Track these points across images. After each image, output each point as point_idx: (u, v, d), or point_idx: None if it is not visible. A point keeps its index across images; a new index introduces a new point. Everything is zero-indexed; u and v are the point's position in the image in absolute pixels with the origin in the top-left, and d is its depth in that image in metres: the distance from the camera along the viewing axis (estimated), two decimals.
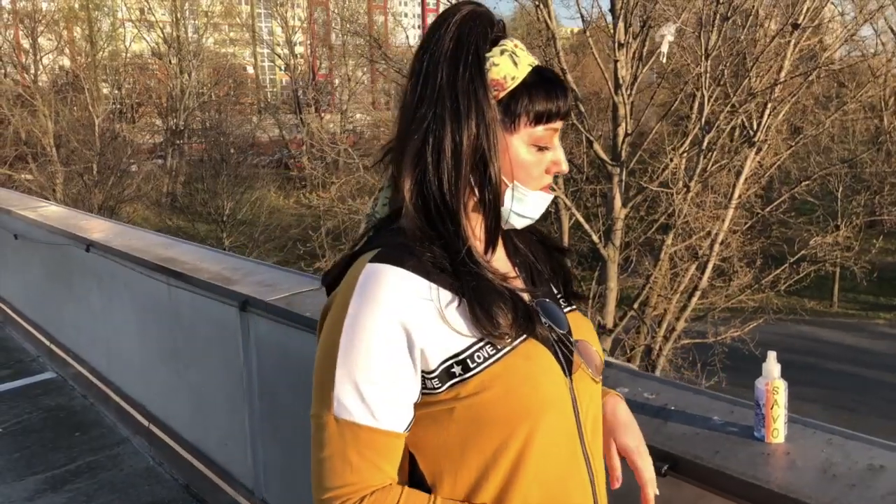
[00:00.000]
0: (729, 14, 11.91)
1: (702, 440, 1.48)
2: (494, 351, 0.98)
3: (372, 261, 0.99)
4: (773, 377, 1.44)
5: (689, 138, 12.77)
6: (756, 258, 14.46)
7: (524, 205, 1.06)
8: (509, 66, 1.03)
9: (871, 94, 18.03)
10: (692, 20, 12.59)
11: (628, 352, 13.14)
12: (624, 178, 13.09)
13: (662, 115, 14.55)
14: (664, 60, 11.48)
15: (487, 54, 1.03)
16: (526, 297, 1.06)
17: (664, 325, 13.17)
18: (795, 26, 11.74)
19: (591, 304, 12.71)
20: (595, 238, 12.76)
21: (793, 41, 11.99)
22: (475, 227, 1.05)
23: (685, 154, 12.98)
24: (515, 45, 1.05)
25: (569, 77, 13.05)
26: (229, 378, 2.85)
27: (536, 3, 12.56)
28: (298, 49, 42.39)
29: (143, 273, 3.46)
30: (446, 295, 0.99)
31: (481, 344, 0.98)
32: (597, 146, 12.93)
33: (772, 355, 1.45)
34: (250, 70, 48.05)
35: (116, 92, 38.11)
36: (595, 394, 1.11)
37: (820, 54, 13.82)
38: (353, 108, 36.56)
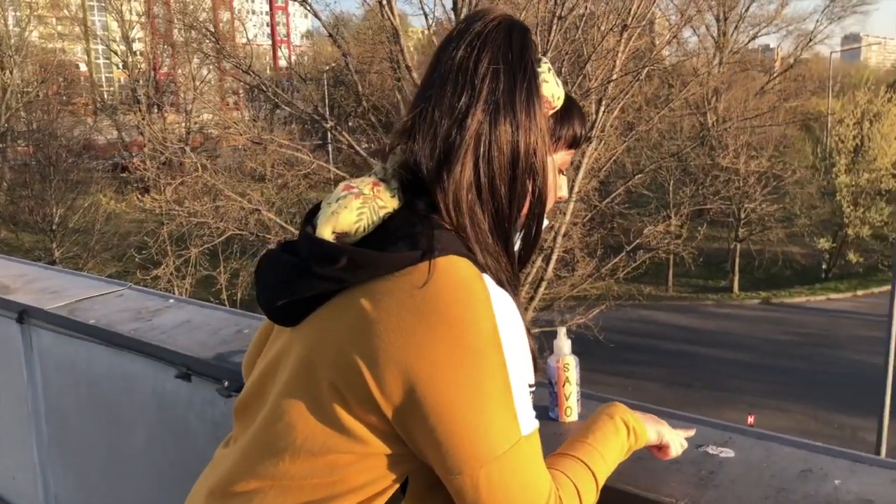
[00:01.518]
0: (563, 14, 12.38)
1: None
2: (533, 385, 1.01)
3: (477, 271, 0.92)
4: (563, 354, 1.41)
5: None
6: (597, 248, 15.19)
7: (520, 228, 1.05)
8: (555, 85, 1.03)
9: (694, 92, 19.43)
10: (531, 19, 12.99)
11: None
12: None
13: None
14: None
15: (538, 69, 1.01)
16: None
17: None
18: (625, 27, 12.41)
19: None
20: None
21: (623, 41, 12.66)
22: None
23: None
24: (549, 68, 1.04)
25: (414, 75, 13.10)
26: (12, 401, 2.53)
27: (380, 0, 12.51)
28: (137, 45, 40.03)
29: None
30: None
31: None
32: None
33: (561, 331, 1.42)
34: (83, 67, 44.84)
35: None
36: None
37: (649, 54, 14.72)
38: (199, 108, 35.00)
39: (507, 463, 0.89)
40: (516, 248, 1.03)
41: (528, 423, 0.93)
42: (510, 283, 0.96)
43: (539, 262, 13.61)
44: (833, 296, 24.36)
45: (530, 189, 0.98)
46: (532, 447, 0.93)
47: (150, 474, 2.16)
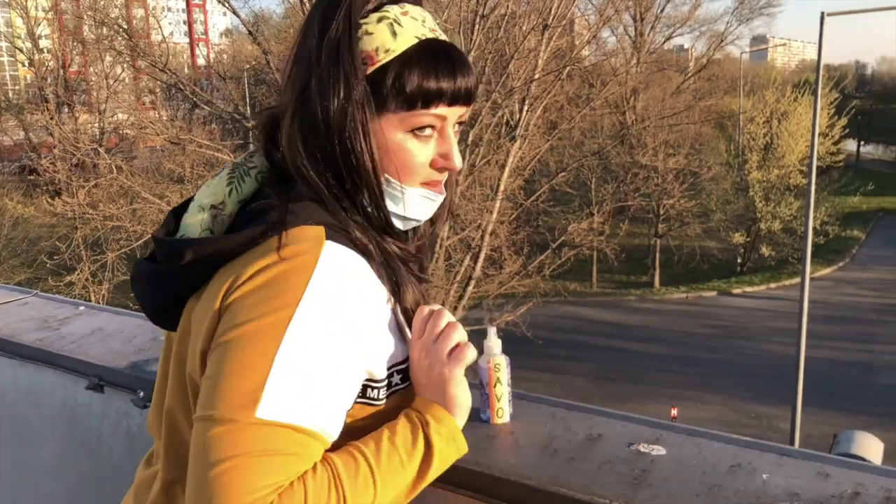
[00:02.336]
0: (486, 13, 12.47)
1: None
2: None
3: (332, 240, 0.85)
4: (494, 353, 1.38)
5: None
6: (523, 246, 15.38)
7: (400, 204, 0.93)
8: (385, 36, 0.88)
9: (614, 91, 19.91)
10: (454, 18, 13.03)
11: None
12: None
13: None
14: None
15: (363, 20, 0.89)
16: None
17: None
18: (545, 27, 12.59)
19: None
20: None
21: (545, 41, 12.85)
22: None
23: None
24: (405, 13, 0.90)
25: None
26: None
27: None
28: (44, 42, 38.31)
29: None
30: (386, 294, 0.91)
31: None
32: None
33: (492, 331, 1.39)
34: None
35: None
36: None
37: (570, 54, 14.99)
38: (113, 107, 33.74)
39: (219, 433, 0.77)
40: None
41: (304, 416, 0.80)
42: (384, 252, 0.92)
43: (467, 261, 13.69)
44: (748, 289, 25.40)
45: (352, 155, 0.89)
46: (276, 439, 0.78)
47: (61, 490, 2.04)
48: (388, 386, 0.92)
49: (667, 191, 24.73)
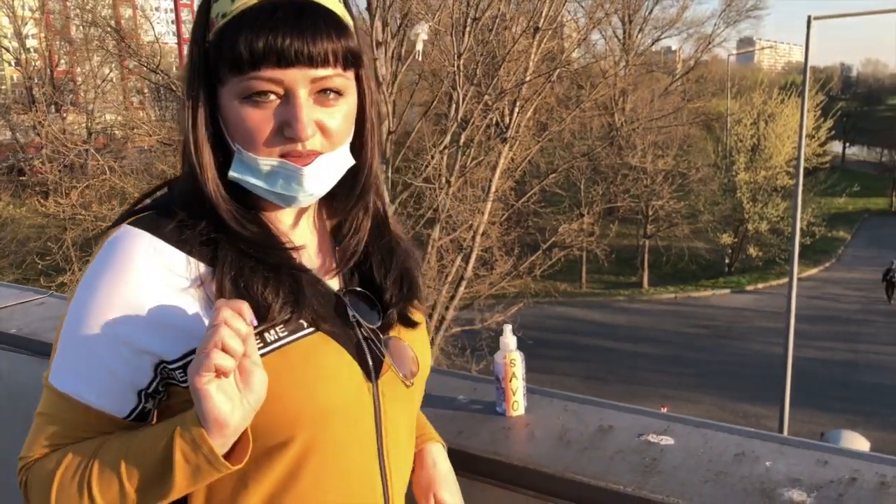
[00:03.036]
0: (478, 16, 12.54)
1: (446, 421, 1.45)
2: (262, 343, 0.84)
3: (129, 224, 0.87)
4: (509, 349, 1.45)
5: (449, 136, 13.28)
6: (514, 247, 15.44)
7: (258, 174, 0.86)
8: (226, 1, 0.84)
9: (603, 93, 20.03)
10: (445, 21, 13.10)
11: None
12: (390, 175, 13.29)
13: (423, 113, 14.99)
14: (420, 59, 11.82)
15: None
16: (334, 287, 0.94)
17: (435, 316, 13.60)
18: (536, 29, 12.68)
19: None
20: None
21: (535, 43, 12.94)
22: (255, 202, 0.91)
23: (446, 151, 13.49)
24: None
25: None
26: None
27: None
28: (31, 42, 38.04)
29: None
30: (205, 271, 0.86)
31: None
32: None
33: (507, 328, 1.46)
34: None
35: None
36: (407, 400, 0.98)
37: (559, 56, 15.09)
38: (101, 107, 33.56)
39: (43, 392, 0.88)
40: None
41: (67, 381, 0.86)
42: (211, 240, 0.87)
43: (458, 262, 13.75)
44: (736, 289, 25.60)
45: (202, 137, 0.87)
46: (50, 402, 0.87)
47: None
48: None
49: (655, 192, 24.87)
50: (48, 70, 36.85)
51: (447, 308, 13.80)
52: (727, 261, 27.78)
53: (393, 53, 13.54)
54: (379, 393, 0.93)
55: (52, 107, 34.12)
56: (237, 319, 0.76)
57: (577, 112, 16.77)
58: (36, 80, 36.31)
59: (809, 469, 1.25)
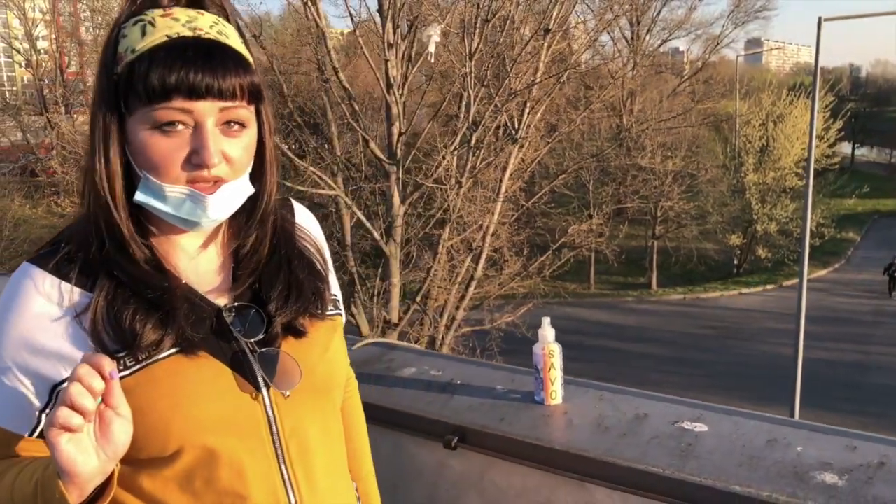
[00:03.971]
0: (489, 17, 12.59)
1: (487, 409, 1.52)
2: (134, 362, 0.90)
3: (29, 260, 0.95)
4: (548, 341, 1.51)
5: (459, 137, 13.34)
6: (523, 248, 15.48)
7: (164, 200, 0.91)
8: (135, 36, 0.89)
9: (612, 94, 20.05)
10: (456, 23, 13.16)
11: (414, 343, 13.48)
12: (401, 175, 13.36)
13: (433, 114, 15.06)
14: (432, 60, 11.88)
15: (124, 24, 0.92)
16: (222, 303, 0.98)
17: (445, 316, 13.66)
18: (546, 31, 12.73)
19: (376, 300, 12.86)
20: (377, 235, 12.91)
21: (545, 45, 12.99)
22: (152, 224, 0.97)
23: (456, 152, 13.55)
24: (166, 15, 0.90)
25: (341, 76, 13.08)
26: None
27: (305, 1, 12.39)
28: (42, 44, 38.28)
29: None
30: (84, 299, 0.92)
31: (116, 352, 0.89)
32: (373, 145, 13.08)
33: (546, 321, 1.53)
34: None
35: None
36: (312, 409, 1.00)
37: (569, 58, 15.14)
38: None
39: None
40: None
41: None
42: (110, 269, 0.93)
43: (468, 262, 13.81)
44: (745, 290, 25.56)
45: (110, 164, 0.92)
46: None
47: None
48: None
49: (664, 193, 24.87)
50: (59, 71, 37.08)
51: (457, 308, 13.85)
52: (736, 262, 27.75)
53: (403, 55, 13.62)
54: (272, 403, 0.95)
55: (64, 108, 34.34)
56: (93, 376, 0.78)
57: (586, 113, 16.81)
58: (46, 82, 36.54)
59: (839, 454, 1.30)
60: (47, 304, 0.91)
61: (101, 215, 0.92)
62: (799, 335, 12.48)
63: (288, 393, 0.96)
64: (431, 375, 1.68)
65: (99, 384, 0.79)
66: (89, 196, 0.94)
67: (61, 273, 0.92)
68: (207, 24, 0.91)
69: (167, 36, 0.88)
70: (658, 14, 32.22)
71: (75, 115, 32.83)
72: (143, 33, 0.89)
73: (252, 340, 0.96)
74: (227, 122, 0.92)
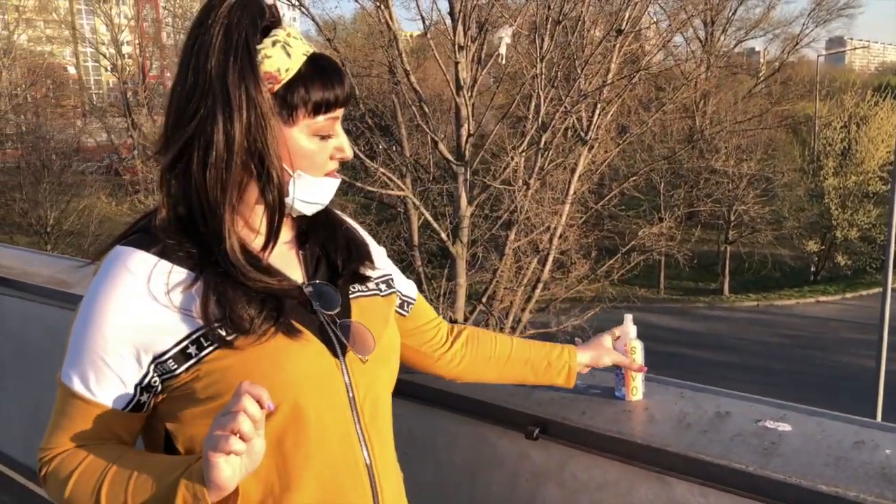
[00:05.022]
0: (560, 19, 12.54)
1: (568, 403, 1.55)
2: (233, 336, 0.99)
3: (122, 244, 1.03)
4: (630, 337, 1.53)
5: (527, 138, 13.32)
6: (591, 250, 15.34)
7: (310, 192, 1.08)
8: (282, 57, 1.02)
9: (685, 96, 19.67)
10: (526, 25, 13.15)
11: None
12: (468, 177, 13.43)
13: (501, 116, 15.07)
14: (502, 62, 11.90)
15: (259, 46, 1.01)
16: (299, 282, 1.09)
17: (511, 317, 13.65)
18: (619, 32, 12.59)
19: (442, 300, 12.94)
20: (443, 236, 13.01)
21: (617, 46, 12.85)
22: (253, 220, 1.07)
23: (524, 153, 13.53)
24: (288, 35, 1.04)
25: (412, 79, 13.22)
26: None
27: (377, 3, 12.58)
28: (126, 48, 39.93)
29: None
30: (185, 278, 1.01)
31: (216, 326, 0.98)
32: (441, 147, 13.19)
33: (628, 318, 1.55)
34: (72, 70, 44.63)
35: None
36: (377, 376, 1.11)
37: (641, 59, 14.93)
38: None
39: (58, 389, 1.04)
40: (259, 224, 1.07)
41: (74, 379, 1.01)
42: (216, 262, 1.01)
43: (535, 264, 13.76)
44: (822, 298, 24.65)
45: (255, 170, 1.02)
46: (62, 398, 1.03)
47: None
48: (185, 357, 0.99)
49: (738, 196, 24.22)
50: (141, 75, 38.61)
51: (523, 310, 13.82)
52: (813, 269, 26.78)
53: (473, 57, 13.68)
54: (347, 368, 1.07)
55: (145, 109, 35.71)
56: (255, 406, 0.87)
57: (657, 114, 16.56)
58: (129, 85, 38.07)
59: None
60: (145, 282, 0.99)
61: (273, 208, 1.05)
62: (882, 346, 12.01)
63: (367, 358, 1.09)
64: None
65: (259, 413, 0.88)
66: (187, 194, 1.03)
67: (160, 254, 1.01)
68: (302, 40, 1.06)
69: (303, 55, 1.03)
70: (734, 13, 31.41)
71: (156, 118, 34.13)
72: (288, 54, 1.02)
73: (330, 312, 1.08)
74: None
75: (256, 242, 1.07)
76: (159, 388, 1.02)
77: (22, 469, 3.11)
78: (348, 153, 1.09)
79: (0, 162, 32.84)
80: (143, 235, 1.03)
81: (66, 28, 42.17)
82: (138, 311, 0.98)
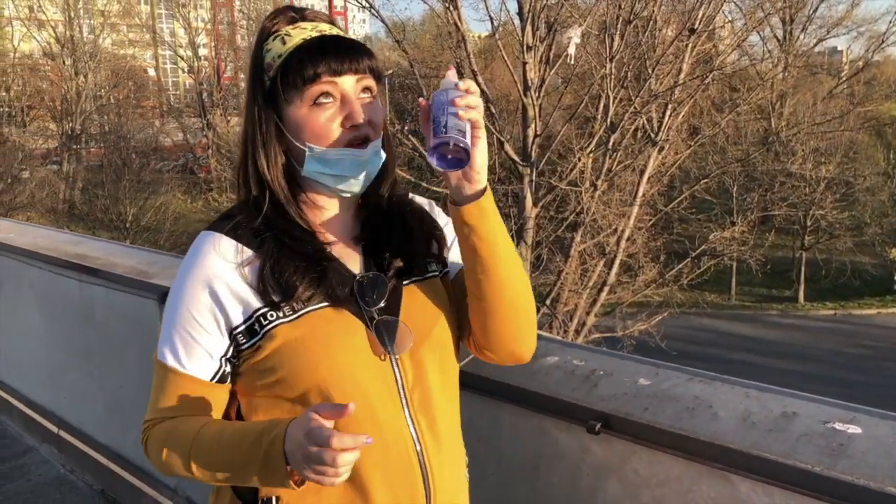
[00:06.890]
0: (630, 18, 12.37)
1: (631, 399, 1.55)
2: (291, 311, 1.07)
3: (205, 229, 1.15)
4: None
5: (595, 139, 13.19)
6: (660, 254, 15.07)
7: (328, 164, 1.10)
8: (277, 47, 1.11)
9: (761, 97, 19.11)
10: (595, 24, 13.02)
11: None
12: (534, 178, 13.38)
13: (569, 116, 14.96)
14: (571, 62, 11.81)
15: (265, 44, 1.13)
16: (355, 270, 1.14)
17: (575, 320, 13.53)
18: (692, 31, 12.34)
19: None
20: None
21: (690, 45, 12.59)
22: (315, 197, 1.16)
23: (592, 154, 13.40)
24: (295, 27, 1.12)
25: (479, 79, 13.24)
26: (148, 375, 2.75)
27: (447, 5, 12.67)
28: (202, 51, 41.29)
29: (51, 271, 3.30)
30: (254, 257, 1.10)
31: (279, 301, 1.07)
32: (507, 147, 13.17)
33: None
34: (152, 72, 46.40)
35: (4, 94, 35.90)
36: (428, 364, 1.14)
37: (714, 59, 14.58)
38: None
39: (154, 367, 1.14)
40: (319, 199, 1.17)
41: (167, 355, 1.11)
42: (274, 233, 1.11)
43: (601, 267, 13.61)
44: None
45: (274, 153, 1.12)
46: (158, 375, 1.13)
47: None
48: (251, 332, 1.08)
49: (816, 201, 23.37)
50: (216, 76, 39.83)
51: (588, 313, 13.68)
52: None
53: (541, 57, 13.62)
54: (396, 359, 1.11)
55: (219, 109, 36.81)
56: (355, 455, 0.93)
57: (731, 116, 16.15)
58: (205, 86, 39.33)
59: None
60: (224, 260, 1.09)
61: (266, 190, 1.13)
62: None
63: (397, 356, 1.12)
64: (574, 364, 1.72)
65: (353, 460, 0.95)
66: (251, 179, 1.14)
67: (235, 235, 1.11)
68: (327, 28, 1.14)
69: (302, 39, 1.10)
70: (814, 11, 30.26)
71: (229, 118, 35.15)
72: (284, 42, 1.11)
73: (378, 307, 1.12)
74: (364, 90, 1.13)
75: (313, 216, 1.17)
76: (236, 361, 1.11)
77: (102, 449, 3.27)
78: (357, 118, 1.09)
79: (85, 160, 34.41)
80: (222, 218, 1.15)
81: (147, 31, 43.89)
82: (215, 288, 1.09)
